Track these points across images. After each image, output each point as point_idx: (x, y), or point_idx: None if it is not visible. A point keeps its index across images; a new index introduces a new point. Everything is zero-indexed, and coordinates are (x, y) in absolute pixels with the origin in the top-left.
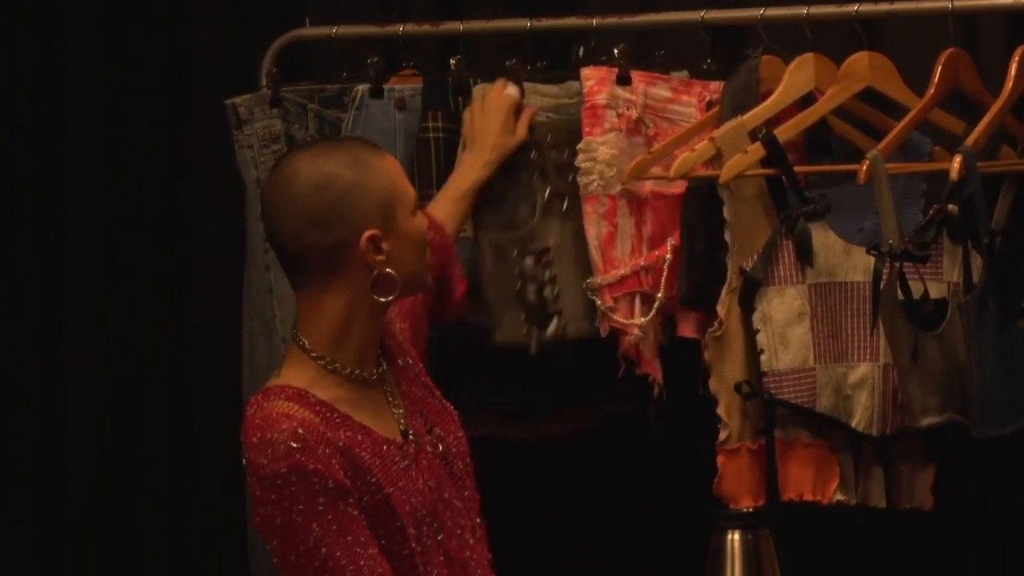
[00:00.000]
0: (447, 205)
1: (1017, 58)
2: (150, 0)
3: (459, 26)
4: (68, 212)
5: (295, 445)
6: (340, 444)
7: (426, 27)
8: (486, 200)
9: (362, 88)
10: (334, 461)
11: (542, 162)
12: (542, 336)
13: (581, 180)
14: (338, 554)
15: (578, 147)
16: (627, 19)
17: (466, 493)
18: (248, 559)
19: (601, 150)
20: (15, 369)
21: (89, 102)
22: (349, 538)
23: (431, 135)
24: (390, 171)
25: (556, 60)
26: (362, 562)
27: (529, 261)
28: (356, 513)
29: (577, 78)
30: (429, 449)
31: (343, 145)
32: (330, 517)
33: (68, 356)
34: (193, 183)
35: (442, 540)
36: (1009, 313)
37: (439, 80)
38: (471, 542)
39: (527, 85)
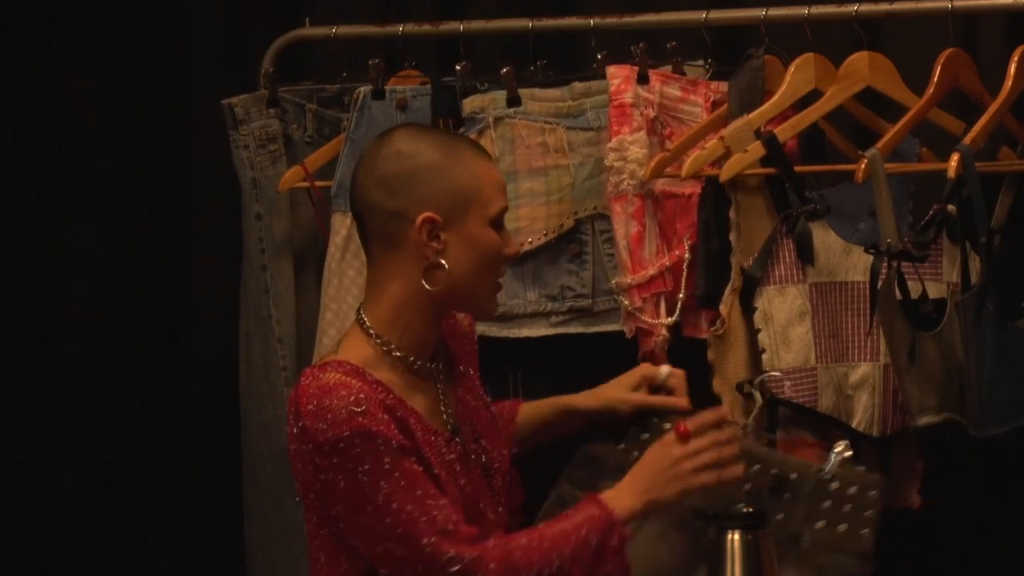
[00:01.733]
0: (539, 408)
1: (1017, 58)
2: (150, 0)
3: (459, 26)
4: (68, 212)
5: (356, 409)
6: (398, 414)
7: (426, 27)
8: None
9: (364, 89)
10: (393, 426)
11: None
12: None
13: (612, 179)
14: (409, 507)
15: (609, 146)
16: (627, 19)
17: (500, 509)
18: (247, 559)
19: (632, 149)
20: (15, 369)
21: (89, 102)
22: (419, 492)
23: None
24: (482, 174)
25: (556, 60)
26: (436, 512)
27: None
28: (421, 470)
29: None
30: (473, 458)
31: (451, 135)
32: (397, 475)
33: (68, 356)
34: (192, 183)
35: None
36: (1008, 313)
37: (447, 87)
38: None
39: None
